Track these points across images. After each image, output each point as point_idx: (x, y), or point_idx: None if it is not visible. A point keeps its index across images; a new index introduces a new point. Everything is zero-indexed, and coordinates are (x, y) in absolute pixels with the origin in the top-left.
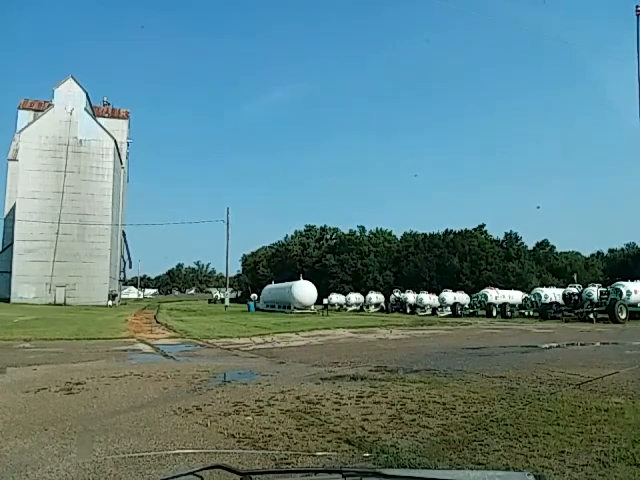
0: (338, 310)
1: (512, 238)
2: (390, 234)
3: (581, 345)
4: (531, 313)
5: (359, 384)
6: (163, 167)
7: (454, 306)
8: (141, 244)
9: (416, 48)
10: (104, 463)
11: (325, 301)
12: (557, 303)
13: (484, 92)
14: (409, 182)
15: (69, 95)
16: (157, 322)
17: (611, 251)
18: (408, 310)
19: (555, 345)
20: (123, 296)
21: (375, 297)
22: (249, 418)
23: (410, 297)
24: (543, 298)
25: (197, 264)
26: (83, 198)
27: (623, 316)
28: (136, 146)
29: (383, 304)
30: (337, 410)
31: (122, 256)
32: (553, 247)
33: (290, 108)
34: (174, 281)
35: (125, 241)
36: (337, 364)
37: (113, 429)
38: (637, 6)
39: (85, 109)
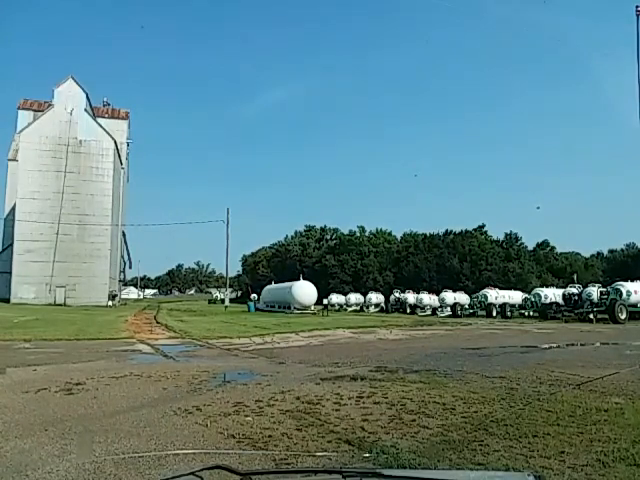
0: (338, 310)
1: (512, 238)
2: (390, 234)
3: (581, 345)
4: (531, 313)
5: (359, 384)
6: (163, 167)
7: (454, 306)
8: (141, 244)
9: (416, 48)
10: (104, 463)
11: (325, 301)
12: (557, 303)
13: (484, 92)
14: (409, 182)
15: (69, 95)
16: (157, 322)
17: (611, 251)
18: (408, 310)
19: (555, 345)
20: (123, 296)
21: (375, 297)
22: (249, 418)
23: (410, 297)
24: (543, 298)
25: (197, 264)
26: (83, 198)
27: (623, 316)
28: (136, 146)
29: (383, 304)
30: (337, 410)
31: (122, 256)
32: (553, 247)
33: (290, 108)
34: (174, 281)
35: (125, 241)
36: (337, 364)
37: (113, 429)
38: (637, 6)
39: (85, 109)
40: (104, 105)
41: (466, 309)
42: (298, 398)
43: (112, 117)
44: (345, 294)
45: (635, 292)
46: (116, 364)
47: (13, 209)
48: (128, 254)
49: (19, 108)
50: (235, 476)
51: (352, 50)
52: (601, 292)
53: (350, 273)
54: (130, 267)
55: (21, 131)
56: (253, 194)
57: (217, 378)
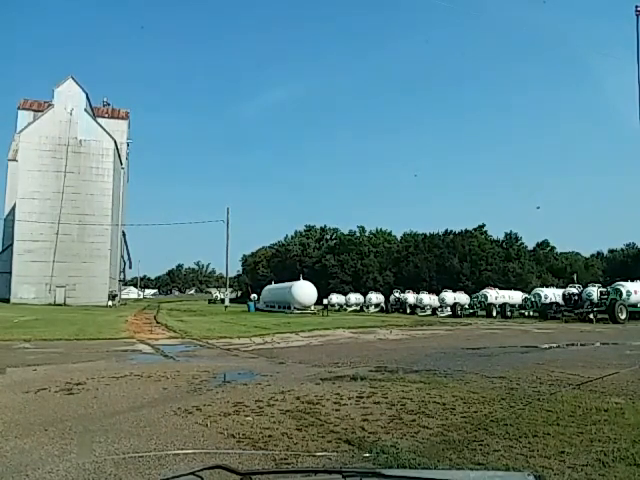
0: (338, 310)
1: (512, 238)
2: (390, 234)
3: (581, 345)
4: (531, 313)
5: (359, 384)
6: (163, 167)
7: (454, 306)
8: (141, 244)
9: (416, 48)
10: (104, 463)
11: (325, 301)
12: (557, 303)
13: (484, 92)
14: (409, 182)
15: (69, 95)
16: (157, 322)
17: (611, 251)
18: (408, 310)
19: (555, 345)
20: (123, 296)
21: (375, 297)
22: (249, 418)
23: (410, 297)
24: (543, 298)
25: (197, 264)
26: (83, 198)
27: (623, 316)
28: (136, 146)
29: (383, 304)
30: (337, 410)
31: (122, 256)
32: (553, 247)
33: (290, 108)
34: (174, 281)
35: (125, 241)
36: (337, 364)
37: (113, 429)
38: (637, 6)
39: (85, 109)
40: (104, 105)
41: (466, 309)
42: (298, 398)
43: (112, 117)
44: (345, 294)
45: (635, 292)
46: (116, 364)
47: (13, 209)
48: (128, 254)
49: (19, 108)
50: (235, 476)
51: (352, 50)
52: (601, 292)
53: (350, 273)
54: (130, 267)
55: (21, 131)
56: (253, 194)
57: (217, 378)
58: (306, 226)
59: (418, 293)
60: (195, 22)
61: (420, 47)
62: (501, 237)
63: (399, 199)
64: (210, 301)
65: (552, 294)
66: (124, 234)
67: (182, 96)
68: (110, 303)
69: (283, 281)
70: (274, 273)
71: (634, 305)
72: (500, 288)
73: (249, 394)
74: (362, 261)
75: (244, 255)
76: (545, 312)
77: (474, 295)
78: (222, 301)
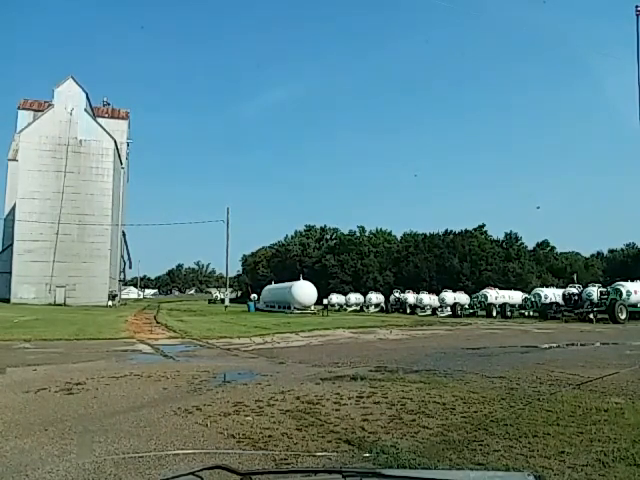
0: (338, 310)
1: (512, 238)
2: (390, 234)
3: (581, 345)
4: (531, 313)
5: (359, 384)
6: (163, 167)
7: (454, 306)
8: (141, 244)
9: (416, 48)
10: (104, 463)
11: (325, 301)
12: (557, 303)
13: (484, 92)
14: (409, 182)
15: (69, 95)
16: (157, 322)
17: (611, 251)
18: (408, 310)
19: (555, 345)
20: (123, 296)
21: (375, 297)
22: (249, 418)
23: (410, 297)
24: (543, 298)
25: (197, 264)
26: (83, 198)
27: (623, 316)
28: (136, 146)
29: (383, 304)
30: (337, 410)
31: (122, 256)
32: (553, 247)
33: (290, 108)
34: (174, 281)
35: (125, 241)
36: (337, 364)
37: (113, 429)
38: (637, 6)
39: (85, 109)
40: (104, 105)
41: (466, 309)
42: (298, 398)
43: (112, 117)
44: (345, 294)
45: (635, 292)
46: (116, 364)
47: (13, 209)
48: (128, 254)
49: (19, 108)
50: (235, 476)
51: (352, 50)
52: (601, 292)
53: (350, 273)
54: (130, 267)
55: (21, 131)
56: (253, 194)
57: (217, 378)
58: (306, 226)
59: (418, 293)
60: (195, 22)
61: (420, 47)
62: (501, 237)
63: (399, 199)
64: (210, 301)
65: (552, 294)
66: (124, 234)
67: (182, 96)
68: (110, 303)
69: (283, 281)
70: (274, 273)
71: (634, 305)
72: (500, 288)
73: (249, 394)
74: (362, 261)
75: (244, 255)
76: (545, 312)
77: (474, 295)
78: (222, 301)
